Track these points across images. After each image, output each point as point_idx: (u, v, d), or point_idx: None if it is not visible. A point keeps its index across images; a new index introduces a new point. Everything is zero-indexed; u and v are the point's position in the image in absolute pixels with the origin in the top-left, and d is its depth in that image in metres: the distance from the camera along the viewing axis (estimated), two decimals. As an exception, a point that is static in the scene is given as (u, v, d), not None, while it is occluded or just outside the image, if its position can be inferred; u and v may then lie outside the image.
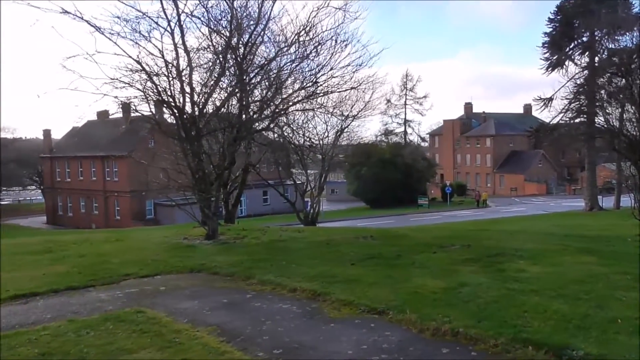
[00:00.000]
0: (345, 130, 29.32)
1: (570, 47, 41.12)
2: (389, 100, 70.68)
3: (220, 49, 15.17)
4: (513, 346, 5.93)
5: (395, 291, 8.25)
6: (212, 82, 15.05)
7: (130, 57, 13.33)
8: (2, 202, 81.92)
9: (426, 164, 68.54)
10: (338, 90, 16.90)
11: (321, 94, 16.71)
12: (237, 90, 15.11)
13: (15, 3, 12.44)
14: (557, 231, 16.88)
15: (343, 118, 26.42)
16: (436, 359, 5.84)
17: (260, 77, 15.88)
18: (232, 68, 15.40)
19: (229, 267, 10.58)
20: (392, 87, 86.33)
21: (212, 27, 15.14)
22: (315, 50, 15.57)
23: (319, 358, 5.90)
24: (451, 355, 5.90)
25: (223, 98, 15.59)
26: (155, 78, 13.79)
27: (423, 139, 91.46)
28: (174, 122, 16.11)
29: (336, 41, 15.78)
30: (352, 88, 17.55)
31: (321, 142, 29.14)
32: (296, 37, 15.20)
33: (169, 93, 14.02)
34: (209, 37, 15.25)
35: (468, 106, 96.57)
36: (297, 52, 15.51)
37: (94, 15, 14.94)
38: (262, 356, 5.94)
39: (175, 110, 14.16)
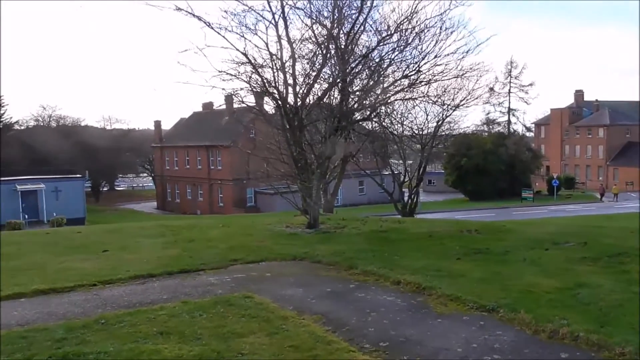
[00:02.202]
0: (446, 120, 28.56)
1: None
2: (492, 89, 67.34)
3: (321, 39, 15.24)
4: (644, 356, 5.43)
5: (505, 288, 7.87)
6: (313, 73, 15.20)
7: (237, 50, 13.78)
8: (118, 188, 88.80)
9: (531, 155, 65.19)
10: (442, 78, 16.36)
11: (424, 83, 16.28)
12: (338, 80, 15.12)
13: (135, 3, 13.25)
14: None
15: (445, 107, 25.67)
16: (555, 363, 5.48)
17: (361, 66, 15.77)
18: (334, 58, 15.42)
19: (331, 256, 10.65)
20: (495, 74, 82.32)
21: (314, 17, 15.25)
22: (418, 38, 15.19)
23: (427, 354, 5.74)
24: (572, 361, 5.51)
25: (324, 88, 15.67)
26: (260, 70, 14.16)
27: (528, 129, 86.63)
28: (275, 112, 16.52)
29: (441, 28, 15.26)
30: (457, 76, 16.90)
31: (421, 132, 28.60)
32: (399, 25, 14.90)
33: (273, 84, 14.35)
34: (311, 27, 15.37)
35: (579, 94, 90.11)
36: (399, 41, 15.21)
37: (204, 11, 15.53)
38: (368, 348, 5.89)
39: (279, 101, 14.46)
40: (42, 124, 74.56)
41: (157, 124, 70.69)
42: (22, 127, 72.26)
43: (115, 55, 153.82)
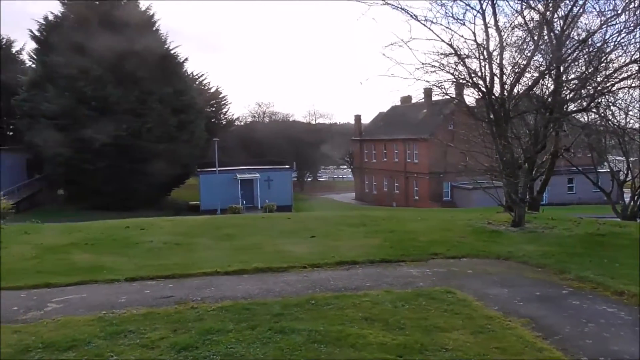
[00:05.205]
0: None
1: None
2: None
3: (533, 25, 14.21)
4: None
5: None
6: (523, 62, 14.26)
7: (443, 41, 13.57)
8: (320, 179, 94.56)
9: None
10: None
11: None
12: (551, 68, 13.95)
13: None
14: None
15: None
16: None
17: (578, 52, 14.32)
18: (546, 45, 14.27)
19: (539, 257, 9.96)
20: None
21: (525, 2, 14.26)
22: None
23: (660, 377, 5.03)
24: None
25: (535, 77, 14.59)
26: (466, 61, 13.77)
27: None
28: (477, 103, 15.88)
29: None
30: None
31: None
32: (628, 3, 13.15)
33: (479, 75, 13.83)
34: (521, 13, 14.43)
35: None
36: (627, 21, 13.44)
37: (409, 4, 15.61)
38: (586, 361, 5.37)
39: (485, 92, 13.89)
40: (257, 120, 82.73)
41: (357, 118, 73.22)
42: (242, 123, 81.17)
43: (321, 53, 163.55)
